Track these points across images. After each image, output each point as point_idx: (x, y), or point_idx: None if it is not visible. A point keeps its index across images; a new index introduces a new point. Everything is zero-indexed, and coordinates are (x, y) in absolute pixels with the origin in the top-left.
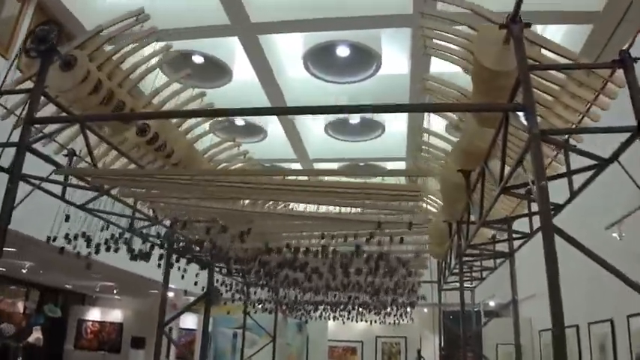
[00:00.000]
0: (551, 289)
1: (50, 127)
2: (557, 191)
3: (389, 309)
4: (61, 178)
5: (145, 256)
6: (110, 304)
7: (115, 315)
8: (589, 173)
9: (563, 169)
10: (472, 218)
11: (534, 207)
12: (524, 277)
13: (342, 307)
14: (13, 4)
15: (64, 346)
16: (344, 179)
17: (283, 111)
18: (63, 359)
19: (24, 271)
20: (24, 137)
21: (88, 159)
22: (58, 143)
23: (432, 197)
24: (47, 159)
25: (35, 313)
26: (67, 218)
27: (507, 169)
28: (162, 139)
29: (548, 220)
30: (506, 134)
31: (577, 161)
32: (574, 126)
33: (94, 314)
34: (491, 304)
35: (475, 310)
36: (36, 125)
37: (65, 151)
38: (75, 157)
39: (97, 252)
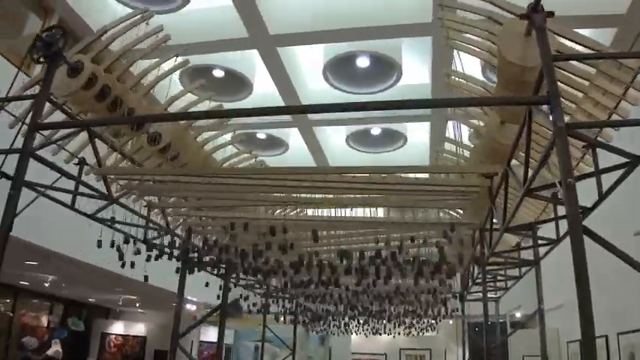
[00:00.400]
0: (581, 296)
1: (60, 134)
2: (585, 194)
3: (418, 320)
4: (69, 186)
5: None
6: (134, 317)
7: (139, 329)
8: (618, 173)
9: (590, 171)
10: (495, 225)
11: (561, 211)
12: (551, 287)
13: (369, 319)
14: (35, 21)
15: None
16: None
17: (298, 110)
18: None
19: (47, 284)
20: (27, 143)
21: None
22: (65, 150)
23: None
24: (52, 166)
25: (59, 326)
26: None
27: (531, 171)
28: (175, 150)
29: (577, 221)
30: (530, 130)
31: (605, 161)
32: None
33: (117, 328)
34: (518, 314)
35: (501, 321)
36: (43, 132)
37: (76, 160)
38: (86, 166)
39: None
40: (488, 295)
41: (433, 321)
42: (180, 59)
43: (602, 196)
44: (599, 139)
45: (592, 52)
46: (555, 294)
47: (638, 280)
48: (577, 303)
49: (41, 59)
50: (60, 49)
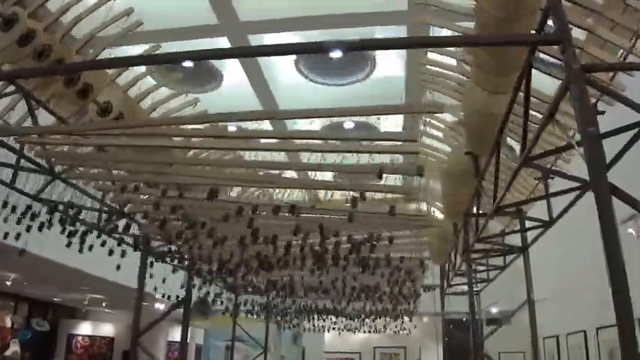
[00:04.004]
0: (613, 271)
1: None
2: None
3: (385, 319)
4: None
5: None
6: (101, 317)
7: (106, 329)
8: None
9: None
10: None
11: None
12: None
13: (335, 314)
14: None
15: None
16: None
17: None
18: None
19: (8, 283)
20: None
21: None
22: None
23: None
24: None
25: (23, 327)
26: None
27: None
28: (96, 91)
29: (602, 175)
30: (530, 81)
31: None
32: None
33: (84, 328)
34: (494, 310)
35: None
36: None
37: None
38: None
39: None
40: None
41: (406, 318)
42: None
43: (618, 156)
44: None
45: None
46: (552, 281)
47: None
48: (554, 297)
49: None
50: None
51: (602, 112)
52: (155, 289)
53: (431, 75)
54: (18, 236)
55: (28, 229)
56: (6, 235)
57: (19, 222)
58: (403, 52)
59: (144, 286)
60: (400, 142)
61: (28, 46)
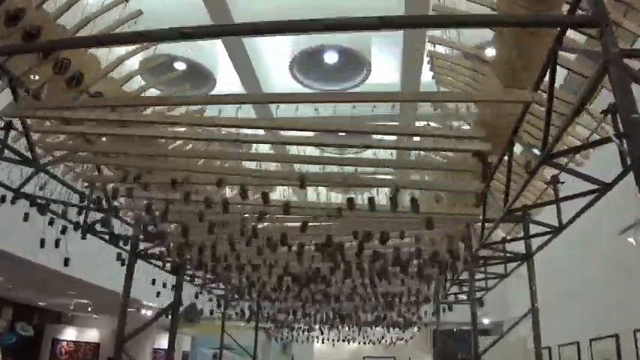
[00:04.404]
0: None
1: None
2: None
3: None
4: None
5: None
6: (87, 323)
7: (92, 335)
8: None
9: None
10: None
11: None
12: (520, 293)
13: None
14: None
15: None
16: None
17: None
18: None
19: None
20: None
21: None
22: None
23: None
24: None
25: (7, 331)
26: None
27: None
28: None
29: None
30: (555, 70)
31: None
32: None
33: (69, 334)
34: (486, 321)
35: (465, 329)
36: None
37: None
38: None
39: None
40: (463, 298)
41: (406, 329)
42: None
43: None
44: None
45: None
46: (524, 299)
47: (608, 287)
48: (545, 308)
49: None
50: None
51: None
52: (158, 294)
53: (441, 67)
54: None
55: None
56: None
57: None
58: (399, 57)
59: (130, 289)
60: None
61: (17, 26)
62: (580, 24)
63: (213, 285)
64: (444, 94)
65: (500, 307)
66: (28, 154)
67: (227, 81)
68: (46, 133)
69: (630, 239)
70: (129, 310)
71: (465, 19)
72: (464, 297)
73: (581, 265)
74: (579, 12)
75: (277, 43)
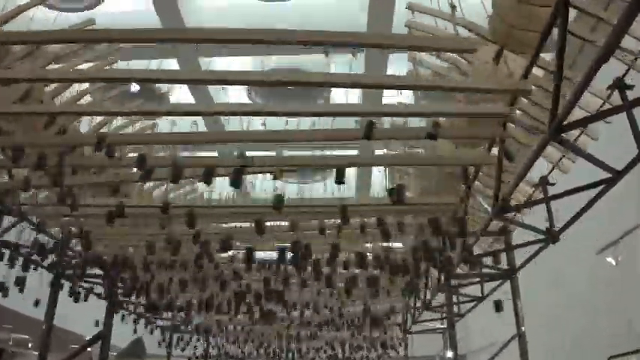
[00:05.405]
0: None
1: None
2: None
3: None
4: None
5: None
6: None
7: None
8: None
9: None
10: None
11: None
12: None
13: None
14: None
15: None
16: None
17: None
18: None
19: None
20: None
21: None
22: None
23: None
24: None
25: None
26: None
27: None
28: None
29: None
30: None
31: None
32: None
33: None
34: (449, 354)
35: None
36: None
37: None
38: None
39: None
40: (435, 325)
41: None
42: None
43: None
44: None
45: None
46: (508, 325)
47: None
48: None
49: None
50: None
51: (632, 87)
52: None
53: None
54: None
55: None
56: None
57: None
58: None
59: (54, 315)
60: None
61: None
62: None
63: (156, 315)
64: None
65: (463, 339)
66: None
67: (180, 101)
68: None
69: (609, 259)
70: (74, 346)
71: None
72: (437, 324)
73: (560, 295)
74: None
75: (234, 62)
